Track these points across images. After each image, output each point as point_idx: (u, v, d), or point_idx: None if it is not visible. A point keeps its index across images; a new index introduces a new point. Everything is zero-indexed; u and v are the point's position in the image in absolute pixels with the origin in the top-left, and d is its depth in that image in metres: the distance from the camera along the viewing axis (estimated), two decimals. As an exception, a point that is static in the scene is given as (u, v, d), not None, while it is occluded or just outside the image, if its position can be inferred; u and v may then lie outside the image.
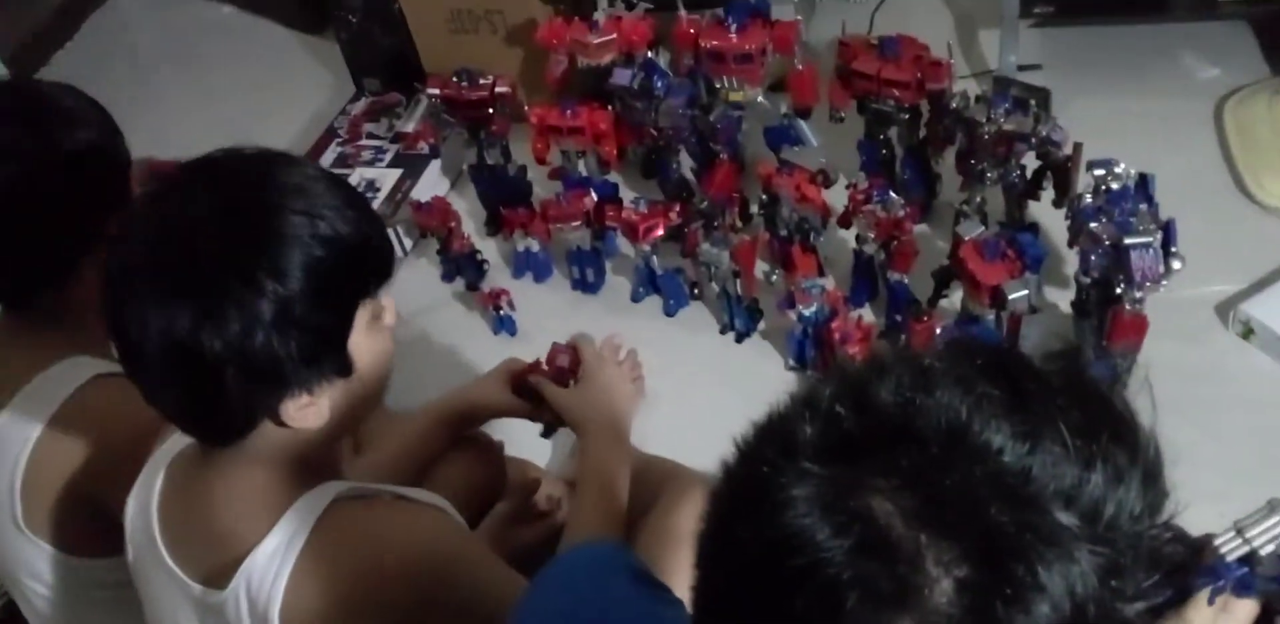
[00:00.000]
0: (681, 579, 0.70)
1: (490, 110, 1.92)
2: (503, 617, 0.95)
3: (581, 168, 1.95)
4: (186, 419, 0.97)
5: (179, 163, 0.96)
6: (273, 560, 0.97)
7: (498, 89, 1.91)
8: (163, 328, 0.88)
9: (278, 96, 2.43)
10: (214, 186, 0.92)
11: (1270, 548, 0.80)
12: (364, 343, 0.97)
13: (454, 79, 1.92)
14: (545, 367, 1.39)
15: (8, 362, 1.24)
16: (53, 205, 1.17)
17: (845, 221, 1.75)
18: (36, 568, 1.26)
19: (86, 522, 1.23)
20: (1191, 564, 0.95)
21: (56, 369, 1.21)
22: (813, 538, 0.56)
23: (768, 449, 0.61)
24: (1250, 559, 0.82)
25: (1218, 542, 0.78)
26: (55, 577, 1.26)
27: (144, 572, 1.07)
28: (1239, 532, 0.83)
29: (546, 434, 1.47)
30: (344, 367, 0.96)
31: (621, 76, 1.88)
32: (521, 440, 1.55)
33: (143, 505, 1.06)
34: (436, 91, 1.92)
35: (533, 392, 1.37)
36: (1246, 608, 0.85)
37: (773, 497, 0.58)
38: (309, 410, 0.95)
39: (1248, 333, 1.68)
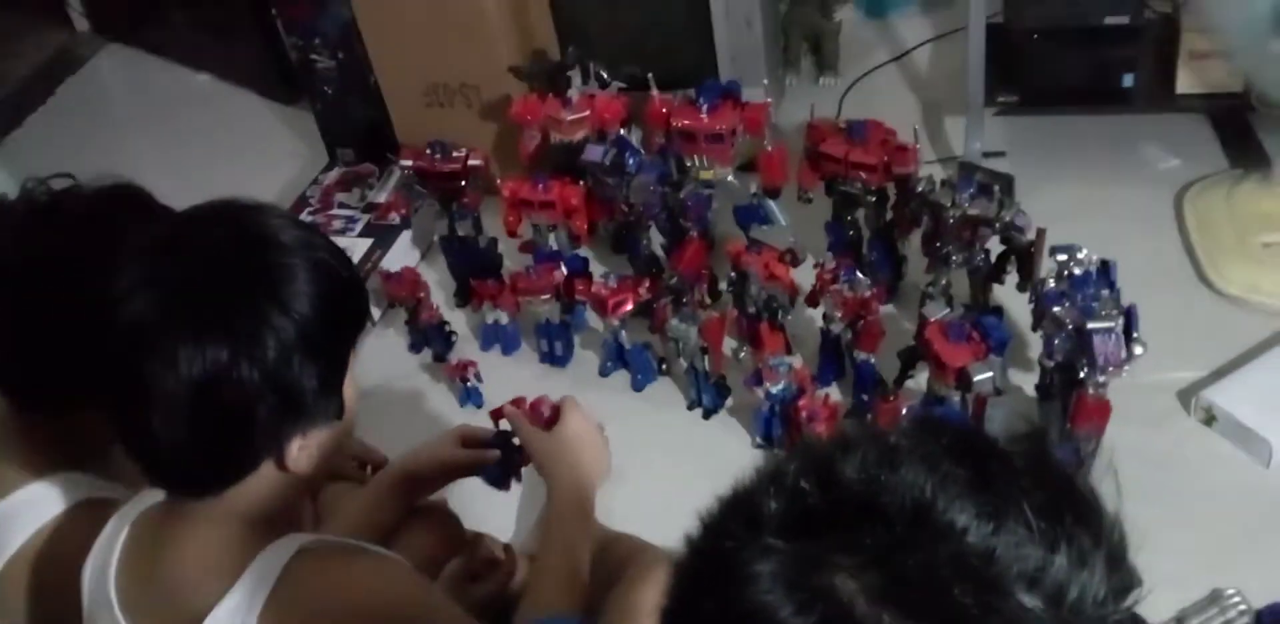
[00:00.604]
0: None
1: (463, 183, 1.94)
2: None
3: (552, 241, 1.96)
4: (194, 464, 0.95)
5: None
6: (234, 616, 0.95)
7: (470, 162, 1.93)
8: (198, 366, 0.88)
9: (251, 164, 2.44)
10: (217, 226, 0.96)
11: None
12: (348, 388, 1.00)
13: (427, 151, 1.93)
14: (525, 408, 1.35)
15: None
16: None
17: (813, 300, 1.76)
18: None
19: None
20: None
21: (38, 488, 1.15)
22: (775, 615, 0.56)
23: (732, 523, 0.61)
24: None
25: None
26: None
27: None
28: (1179, 621, 0.83)
29: (500, 482, 1.37)
30: (340, 407, 0.98)
31: (594, 153, 1.90)
32: (484, 516, 1.53)
33: (100, 567, 1.03)
34: (410, 163, 1.94)
35: (490, 442, 1.34)
36: None
37: (736, 572, 0.58)
38: (303, 453, 0.96)
39: (1210, 419, 1.69)
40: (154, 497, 1.04)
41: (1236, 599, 1.01)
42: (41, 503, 1.15)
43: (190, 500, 0.99)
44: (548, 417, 1.33)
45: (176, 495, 1.00)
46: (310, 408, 0.94)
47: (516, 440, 1.33)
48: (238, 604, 0.96)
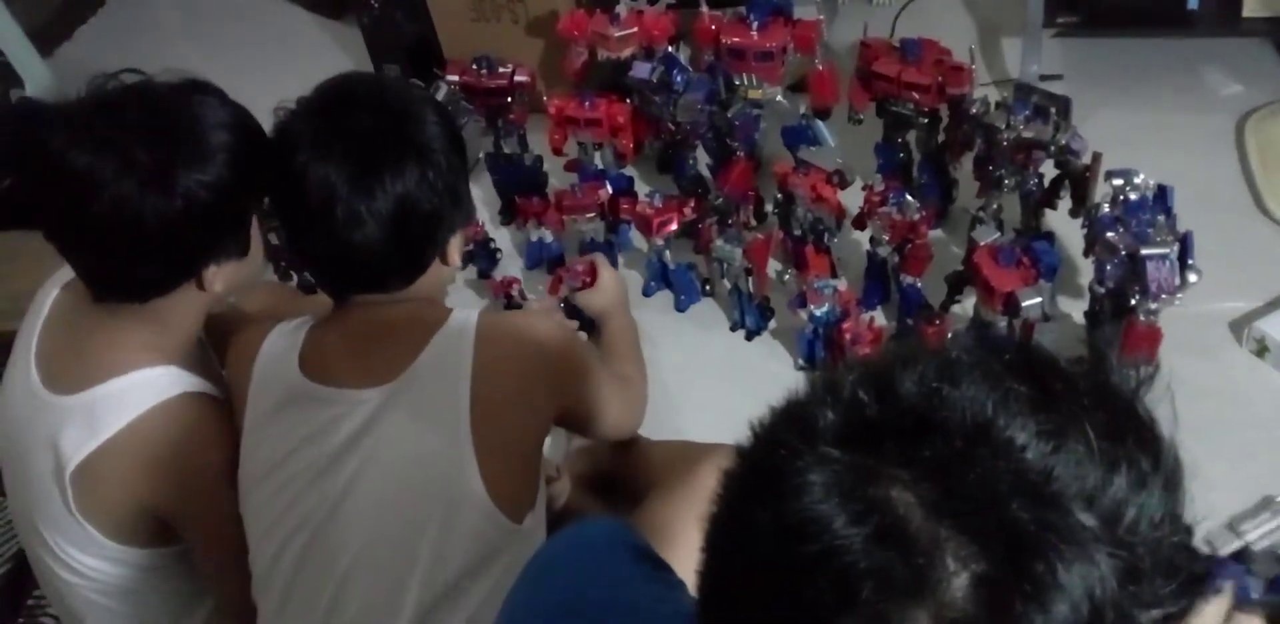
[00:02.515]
0: (685, 556, 0.69)
1: (509, 99, 1.92)
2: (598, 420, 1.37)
3: (598, 160, 1.94)
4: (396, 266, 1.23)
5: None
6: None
7: (517, 78, 1.90)
8: (397, 191, 1.17)
9: (297, 79, 2.37)
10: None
11: (1264, 544, 0.80)
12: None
13: (473, 66, 1.91)
14: (570, 274, 1.75)
15: (90, 352, 1.23)
16: (199, 215, 1.17)
17: (860, 223, 1.74)
18: (70, 551, 1.25)
19: (135, 518, 1.24)
20: (1207, 577, 0.94)
21: (146, 375, 1.22)
22: (828, 525, 0.55)
23: (786, 433, 0.60)
24: (1243, 555, 0.81)
25: (1213, 537, 0.77)
26: (97, 560, 1.26)
27: None
28: (1232, 526, 0.82)
29: (587, 329, 1.77)
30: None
31: (641, 70, 1.87)
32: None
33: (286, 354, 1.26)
34: (456, 78, 1.91)
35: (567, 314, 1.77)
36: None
37: (789, 480, 0.57)
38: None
39: (1262, 350, 1.67)
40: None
41: None
42: (143, 387, 1.21)
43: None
44: (587, 278, 1.74)
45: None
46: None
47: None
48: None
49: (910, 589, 0.54)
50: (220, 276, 1.23)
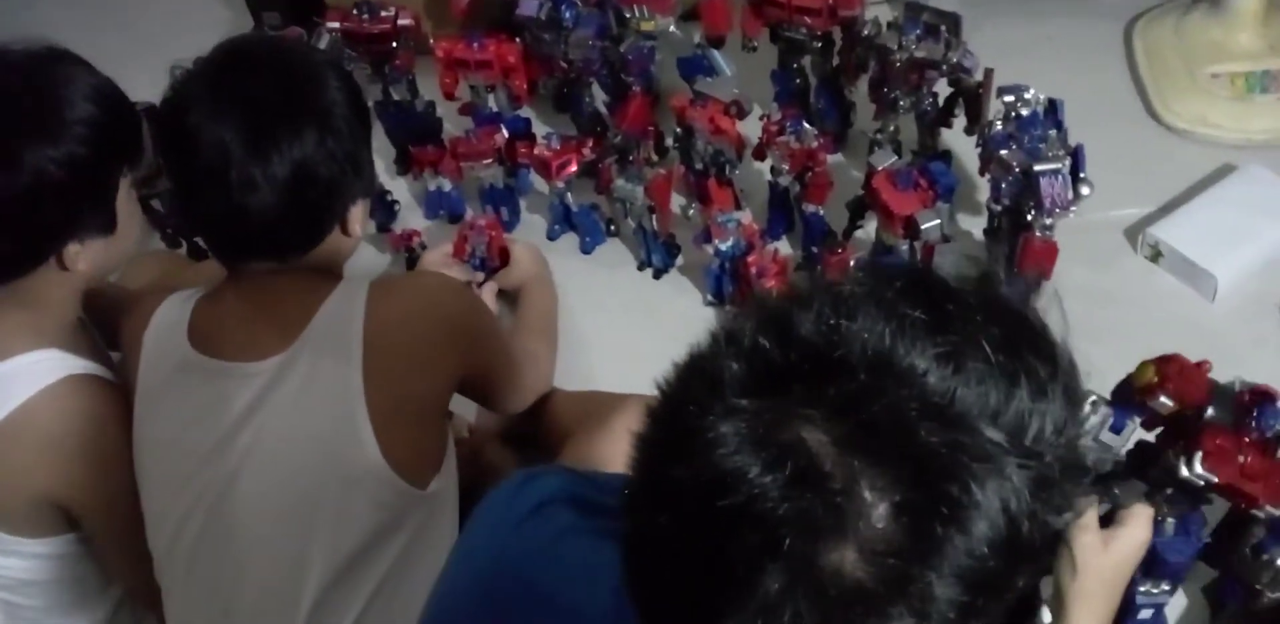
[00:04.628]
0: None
1: (394, 44, 1.85)
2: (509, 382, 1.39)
3: (492, 103, 1.90)
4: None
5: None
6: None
7: (400, 21, 1.84)
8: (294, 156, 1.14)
9: (173, 31, 2.32)
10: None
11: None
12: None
13: (354, 12, 1.85)
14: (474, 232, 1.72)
15: None
16: (50, 191, 1.13)
17: (760, 154, 1.73)
18: None
19: (29, 508, 1.21)
20: (1118, 473, 1.00)
21: (26, 359, 1.18)
22: (745, 475, 0.56)
23: (693, 388, 0.60)
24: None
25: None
26: None
27: None
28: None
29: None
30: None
31: (528, 7, 1.82)
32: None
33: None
34: (336, 25, 1.85)
35: None
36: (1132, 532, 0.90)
37: (701, 436, 0.57)
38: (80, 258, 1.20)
39: (1156, 255, 1.70)
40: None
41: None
42: (26, 373, 1.18)
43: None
44: (499, 258, 1.72)
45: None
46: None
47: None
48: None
49: (833, 527, 0.55)
50: (84, 255, 1.18)
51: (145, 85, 1.34)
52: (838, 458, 0.55)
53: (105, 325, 1.33)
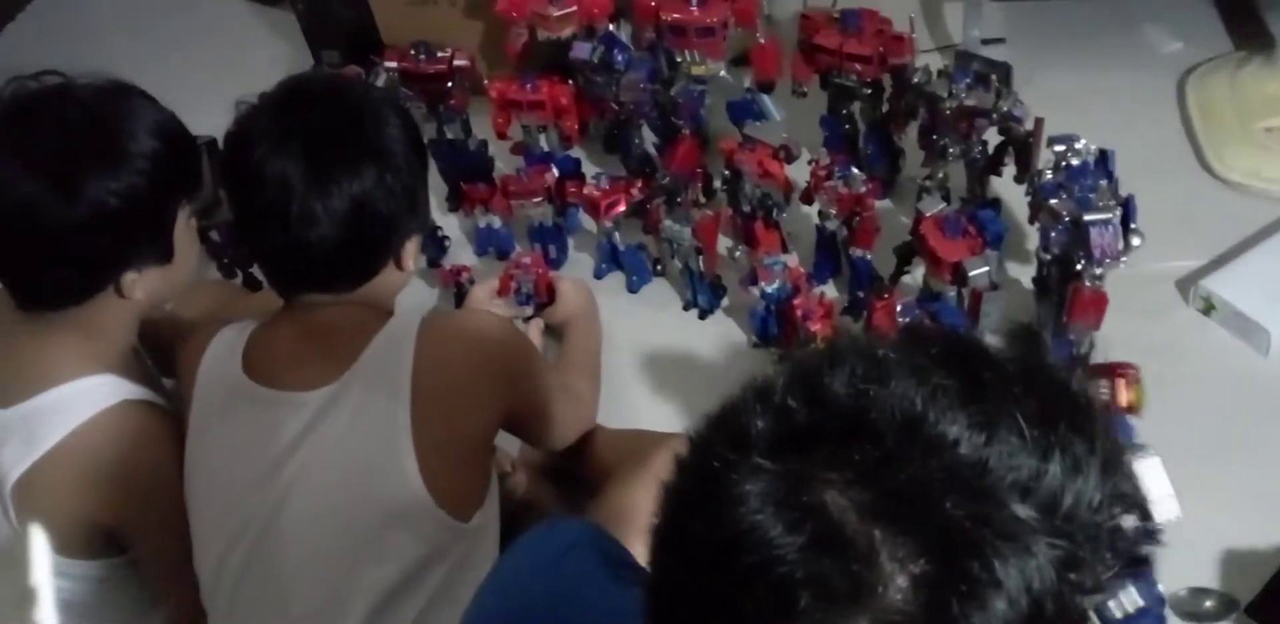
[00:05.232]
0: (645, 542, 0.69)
1: (449, 84, 1.89)
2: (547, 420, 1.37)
3: (543, 143, 1.93)
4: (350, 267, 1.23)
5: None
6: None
7: (456, 62, 1.88)
8: (354, 191, 1.17)
9: (235, 70, 2.38)
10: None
11: None
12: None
13: (411, 52, 1.89)
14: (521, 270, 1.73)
15: (24, 363, 1.22)
16: (109, 222, 1.16)
17: (808, 198, 1.74)
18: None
19: (80, 531, 1.23)
20: (1152, 555, 0.97)
21: (84, 384, 1.20)
22: (765, 535, 0.55)
23: (719, 443, 0.60)
24: None
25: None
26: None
27: None
28: None
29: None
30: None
31: (581, 50, 1.85)
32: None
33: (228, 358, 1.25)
34: (394, 65, 1.89)
35: None
36: None
37: (725, 492, 0.57)
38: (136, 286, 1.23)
39: (1208, 308, 1.68)
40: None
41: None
42: (81, 397, 1.20)
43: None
44: (546, 294, 1.73)
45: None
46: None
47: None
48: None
49: (849, 596, 0.54)
50: (141, 284, 1.21)
51: (206, 119, 1.38)
52: (859, 524, 0.54)
53: (160, 353, 1.35)
